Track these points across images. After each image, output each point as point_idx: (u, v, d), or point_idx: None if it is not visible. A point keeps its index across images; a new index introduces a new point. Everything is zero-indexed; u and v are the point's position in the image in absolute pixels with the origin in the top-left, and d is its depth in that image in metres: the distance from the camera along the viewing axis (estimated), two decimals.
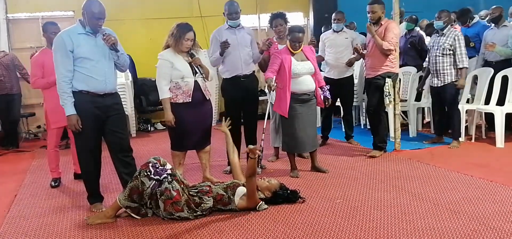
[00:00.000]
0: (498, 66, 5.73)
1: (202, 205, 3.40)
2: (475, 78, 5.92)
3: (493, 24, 6.11)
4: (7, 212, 3.89)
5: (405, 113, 6.30)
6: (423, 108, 6.68)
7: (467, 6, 6.88)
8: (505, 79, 5.51)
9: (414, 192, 3.78)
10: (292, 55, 4.43)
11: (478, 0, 9.13)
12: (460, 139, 5.45)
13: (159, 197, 3.33)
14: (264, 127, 4.40)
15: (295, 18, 9.18)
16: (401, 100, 5.74)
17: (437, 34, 5.42)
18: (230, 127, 4.10)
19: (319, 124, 6.13)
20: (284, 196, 3.60)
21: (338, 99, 6.06)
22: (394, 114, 5.35)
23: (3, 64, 6.82)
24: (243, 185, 3.53)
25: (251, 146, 3.44)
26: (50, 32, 4.53)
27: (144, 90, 8.13)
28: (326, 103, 4.63)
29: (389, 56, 4.96)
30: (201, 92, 4.13)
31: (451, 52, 5.26)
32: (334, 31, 5.89)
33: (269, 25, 5.12)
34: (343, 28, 5.90)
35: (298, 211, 3.46)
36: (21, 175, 5.20)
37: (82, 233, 3.29)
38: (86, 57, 3.49)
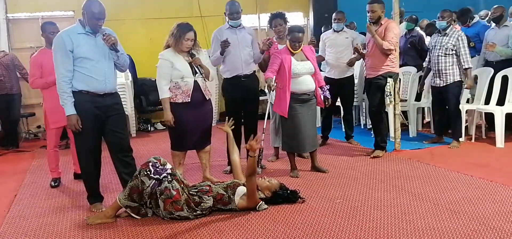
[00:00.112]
0: (499, 66, 5.73)
1: (202, 204, 3.40)
2: (475, 78, 5.92)
3: (494, 24, 6.11)
4: (7, 212, 3.89)
5: (405, 113, 6.30)
6: (423, 108, 6.68)
7: (467, 6, 6.88)
8: (505, 79, 5.51)
9: (414, 192, 3.78)
10: (292, 55, 4.43)
11: (478, 0, 9.14)
12: (460, 139, 5.45)
13: (159, 196, 3.33)
14: (264, 127, 4.40)
15: (295, 18, 9.18)
16: (401, 100, 5.74)
17: (439, 34, 5.41)
18: (232, 127, 4.10)
19: (319, 124, 6.13)
20: (284, 196, 3.60)
21: (338, 99, 6.06)
22: (394, 114, 5.35)
23: (3, 64, 6.81)
24: (243, 185, 3.53)
25: (251, 142, 3.44)
26: (49, 32, 4.53)
27: (144, 90, 8.13)
28: (326, 103, 4.63)
29: (390, 56, 4.96)
30: (200, 92, 4.12)
31: (454, 52, 5.26)
32: (335, 31, 5.89)
33: (268, 25, 5.12)
34: (343, 28, 5.89)
35: (298, 211, 3.46)
36: (21, 175, 5.20)
37: (82, 233, 3.29)
38: (86, 57, 3.49)
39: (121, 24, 7.59)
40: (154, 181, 3.34)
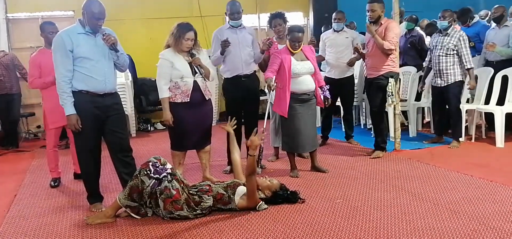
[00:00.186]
0: (499, 66, 5.73)
1: (201, 203, 3.40)
2: (475, 78, 5.92)
3: (494, 24, 6.10)
4: (7, 212, 3.89)
5: (405, 113, 6.30)
6: (423, 108, 6.68)
7: (467, 5, 6.88)
8: (505, 78, 5.51)
9: (414, 192, 3.78)
10: (291, 55, 4.43)
11: (478, 0, 9.14)
12: (460, 139, 5.45)
13: (158, 195, 3.33)
14: (264, 127, 4.40)
15: (295, 18, 9.18)
16: (401, 100, 5.74)
17: (440, 34, 5.40)
18: (235, 126, 4.10)
19: (319, 124, 6.13)
20: (284, 197, 3.60)
21: (338, 99, 6.06)
22: (394, 114, 5.34)
23: (3, 64, 6.81)
24: (244, 185, 3.53)
25: (252, 137, 3.44)
26: (48, 32, 4.54)
27: (144, 90, 8.13)
28: (326, 103, 4.62)
29: (390, 56, 4.95)
30: (200, 92, 4.12)
31: (455, 52, 5.26)
32: (335, 30, 5.88)
33: (268, 25, 5.12)
34: (343, 28, 5.89)
35: (298, 211, 3.45)
36: (20, 175, 5.19)
37: (82, 233, 3.29)
38: (85, 57, 3.49)
39: (121, 24, 7.59)
40: (154, 180, 3.34)
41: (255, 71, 4.86)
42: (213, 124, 4.44)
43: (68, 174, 4.96)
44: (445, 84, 5.35)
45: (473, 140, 5.68)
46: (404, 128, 6.19)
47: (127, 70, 6.31)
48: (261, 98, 5.52)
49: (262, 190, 3.59)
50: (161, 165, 3.42)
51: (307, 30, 9.15)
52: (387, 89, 4.95)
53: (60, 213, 3.76)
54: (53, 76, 4.13)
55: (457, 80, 5.30)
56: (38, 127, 7.99)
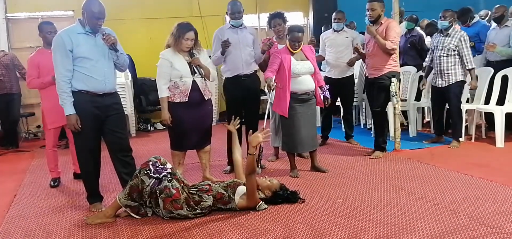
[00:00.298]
0: (499, 65, 5.73)
1: (201, 203, 3.40)
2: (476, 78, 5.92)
3: (495, 24, 6.10)
4: (7, 212, 3.88)
5: (405, 113, 6.29)
6: (423, 108, 6.68)
7: (467, 5, 6.88)
8: (505, 78, 5.51)
9: (414, 192, 3.78)
10: (291, 55, 4.43)
11: None
12: (460, 139, 5.45)
13: (158, 195, 3.33)
14: (264, 126, 4.39)
15: (295, 18, 9.17)
16: (401, 100, 5.74)
17: (441, 34, 5.40)
18: (238, 126, 4.10)
19: (319, 124, 6.12)
20: (284, 196, 3.60)
21: (338, 99, 6.06)
22: (394, 114, 5.34)
23: (2, 63, 6.81)
24: (244, 184, 3.53)
25: (256, 133, 3.45)
26: (46, 32, 4.54)
27: (144, 89, 8.13)
28: (326, 103, 4.62)
29: (392, 55, 4.94)
30: (199, 92, 4.11)
31: (456, 52, 5.25)
32: (335, 30, 5.88)
33: (268, 25, 5.12)
34: (343, 28, 5.89)
35: (298, 211, 3.45)
36: (20, 175, 5.19)
37: (82, 232, 3.29)
38: (85, 57, 3.48)
39: (121, 24, 7.58)
40: (154, 180, 3.34)
41: (255, 71, 4.86)
42: (213, 124, 4.44)
43: (68, 174, 4.96)
44: (446, 84, 5.34)
45: (473, 140, 5.68)
46: (404, 128, 6.19)
47: (127, 70, 6.31)
48: (261, 98, 5.52)
49: (262, 190, 3.59)
50: (161, 165, 3.42)
51: (307, 30, 9.14)
52: (391, 89, 4.93)
53: (60, 213, 3.76)
54: (52, 76, 4.15)
55: (458, 80, 5.30)
56: (38, 127, 7.98)
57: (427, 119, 6.93)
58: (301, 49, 4.47)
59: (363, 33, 6.42)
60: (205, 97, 4.17)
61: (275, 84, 4.34)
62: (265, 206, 3.50)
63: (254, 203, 3.45)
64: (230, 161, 4.67)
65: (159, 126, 8.14)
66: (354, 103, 6.57)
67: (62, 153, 5.55)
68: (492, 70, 5.65)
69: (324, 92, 4.55)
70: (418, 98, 6.34)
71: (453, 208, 3.35)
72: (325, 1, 9.23)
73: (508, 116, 5.42)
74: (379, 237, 2.91)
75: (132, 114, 7.49)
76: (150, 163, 3.40)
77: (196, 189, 3.49)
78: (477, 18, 6.94)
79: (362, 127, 7.10)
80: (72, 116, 3.49)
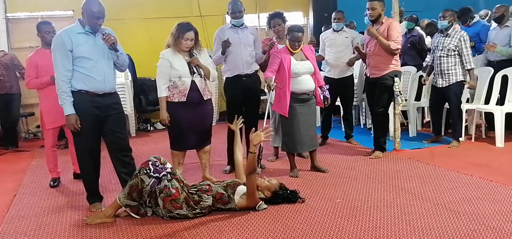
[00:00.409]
0: (499, 65, 5.73)
1: (201, 203, 3.40)
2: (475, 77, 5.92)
3: (495, 24, 6.10)
4: (6, 211, 3.88)
5: (405, 112, 6.29)
6: (423, 108, 6.67)
7: (467, 5, 6.88)
8: (505, 78, 5.51)
9: (414, 192, 3.78)
10: (291, 55, 4.43)
11: None
12: (460, 138, 5.44)
13: (158, 194, 3.33)
14: (264, 126, 4.39)
15: (295, 18, 9.17)
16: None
17: (441, 34, 5.39)
18: (241, 125, 4.09)
19: (318, 123, 6.12)
20: (283, 196, 3.60)
21: (338, 99, 6.05)
22: (394, 114, 5.33)
23: (2, 63, 6.80)
24: (244, 184, 3.53)
25: (257, 132, 3.45)
26: (44, 32, 4.54)
27: (144, 89, 8.12)
28: (326, 103, 4.62)
29: (394, 55, 4.93)
30: (198, 92, 4.11)
31: (456, 52, 5.25)
32: (334, 30, 5.88)
33: (267, 25, 5.12)
34: (343, 28, 5.89)
35: (297, 211, 3.45)
36: (20, 175, 5.19)
37: (82, 232, 3.29)
38: (85, 57, 3.48)
39: (120, 23, 7.59)
40: (153, 179, 3.34)
41: (256, 71, 4.86)
42: (213, 124, 4.43)
43: (68, 174, 4.96)
44: (446, 85, 5.34)
45: (473, 140, 5.68)
46: (404, 128, 6.19)
47: (127, 70, 6.30)
48: (261, 98, 5.52)
49: (262, 191, 3.59)
50: (161, 165, 3.42)
51: (307, 30, 9.14)
52: (394, 88, 4.91)
53: (59, 213, 3.76)
54: (50, 76, 4.15)
55: (458, 80, 5.29)
56: (38, 127, 7.95)
57: (427, 119, 6.93)
58: (301, 49, 4.47)
59: (363, 33, 6.42)
60: (204, 97, 4.16)
61: (275, 84, 4.34)
62: (265, 206, 3.50)
63: (254, 203, 3.45)
64: (230, 161, 4.67)
65: (159, 126, 8.13)
66: (354, 103, 6.56)
67: (62, 153, 5.55)
68: (492, 70, 5.65)
69: (324, 92, 4.55)
70: (418, 98, 6.34)
71: (453, 208, 3.35)
72: (325, 1, 9.22)
73: (508, 116, 5.42)
74: (379, 237, 2.91)
75: (132, 114, 7.49)
76: (150, 162, 3.40)
77: (195, 189, 3.49)
78: (477, 18, 6.94)
79: (362, 127, 7.10)
80: (71, 116, 3.49)
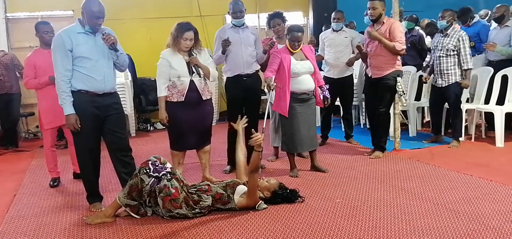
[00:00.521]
0: (500, 65, 5.73)
1: (200, 202, 3.40)
2: (471, 78, 5.91)
3: (495, 24, 6.10)
4: (6, 211, 3.88)
5: (404, 112, 6.29)
6: (423, 108, 6.67)
7: (467, 5, 6.87)
8: (505, 78, 5.51)
9: (414, 192, 3.78)
10: (291, 55, 4.43)
11: None
12: (460, 138, 5.44)
13: (158, 194, 3.33)
14: (264, 126, 4.39)
15: (295, 18, 9.17)
16: None
17: (441, 34, 5.39)
18: (246, 125, 4.09)
19: (318, 123, 6.12)
20: (283, 196, 3.60)
21: (338, 99, 6.05)
22: (394, 114, 5.33)
23: (2, 63, 6.80)
24: (244, 184, 3.52)
25: (257, 134, 3.45)
26: (42, 32, 4.54)
27: (144, 89, 8.12)
28: (326, 103, 4.62)
29: (400, 55, 4.92)
30: (197, 92, 4.10)
31: (455, 52, 5.25)
32: (334, 30, 5.88)
33: (267, 25, 5.12)
34: (342, 27, 5.89)
35: (297, 210, 3.45)
36: (20, 175, 5.19)
37: (82, 232, 3.29)
38: (85, 57, 3.48)
39: (120, 23, 7.58)
40: (153, 179, 3.34)
41: (257, 71, 4.85)
42: (213, 124, 4.43)
43: (68, 174, 4.96)
44: (446, 84, 5.34)
45: (473, 140, 5.68)
46: (404, 128, 6.19)
47: (127, 70, 6.30)
48: (261, 97, 5.52)
49: (261, 191, 3.59)
50: (161, 164, 3.42)
51: (306, 30, 9.14)
52: (397, 88, 4.90)
53: (59, 213, 3.76)
54: (49, 76, 4.15)
55: (458, 80, 5.29)
56: (38, 126, 7.98)
57: (427, 119, 6.93)
58: (300, 49, 4.47)
59: (362, 32, 6.42)
60: (203, 97, 4.15)
61: (275, 84, 4.34)
62: (265, 205, 3.50)
63: (254, 202, 3.45)
64: (230, 161, 4.67)
65: (159, 126, 8.13)
66: (354, 103, 6.57)
67: (62, 153, 5.55)
68: (492, 70, 5.65)
69: (324, 92, 4.55)
70: (418, 98, 6.33)
71: (453, 208, 3.35)
72: (325, 1, 9.21)
73: (508, 116, 5.42)
74: (379, 237, 2.91)
75: (132, 114, 7.49)
76: (150, 162, 3.40)
77: (195, 189, 3.49)
78: (477, 18, 6.93)
79: (362, 127, 7.10)
80: (71, 116, 3.49)
